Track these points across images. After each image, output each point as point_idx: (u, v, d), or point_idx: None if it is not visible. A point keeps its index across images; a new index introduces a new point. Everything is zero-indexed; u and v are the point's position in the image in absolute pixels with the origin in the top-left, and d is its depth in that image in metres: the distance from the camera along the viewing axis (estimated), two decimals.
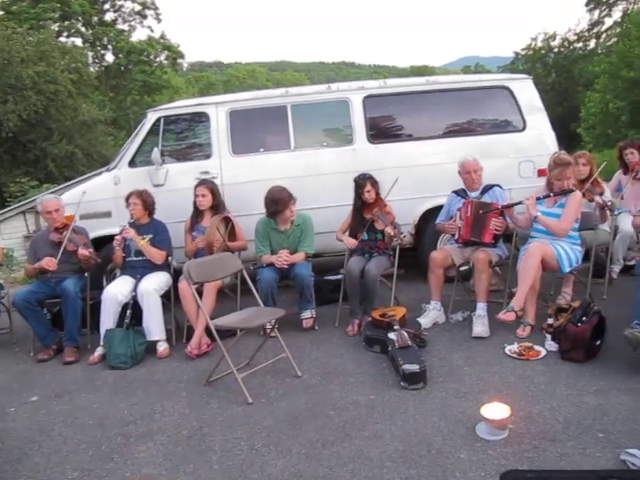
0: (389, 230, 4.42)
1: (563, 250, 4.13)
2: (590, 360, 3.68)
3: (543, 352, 3.81)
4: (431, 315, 4.48)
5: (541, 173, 5.34)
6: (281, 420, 3.25)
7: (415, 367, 3.46)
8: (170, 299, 4.70)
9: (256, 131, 5.67)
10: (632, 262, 5.34)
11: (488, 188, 4.65)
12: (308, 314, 4.66)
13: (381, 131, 5.66)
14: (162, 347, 4.41)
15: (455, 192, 4.77)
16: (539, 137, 5.59)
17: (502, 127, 5.74)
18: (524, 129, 5.62)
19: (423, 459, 2.75)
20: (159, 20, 30.14)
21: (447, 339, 4.24)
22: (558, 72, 36.85)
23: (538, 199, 4.26)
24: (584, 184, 4.89)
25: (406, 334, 3.84)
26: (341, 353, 4.18)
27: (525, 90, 5.73)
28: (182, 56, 32.47)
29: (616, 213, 5.18)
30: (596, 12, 39.08)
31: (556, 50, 38.20)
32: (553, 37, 38.06)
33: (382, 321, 4.13)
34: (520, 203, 4.29)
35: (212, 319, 3.88)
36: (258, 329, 4.28)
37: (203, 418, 3.35)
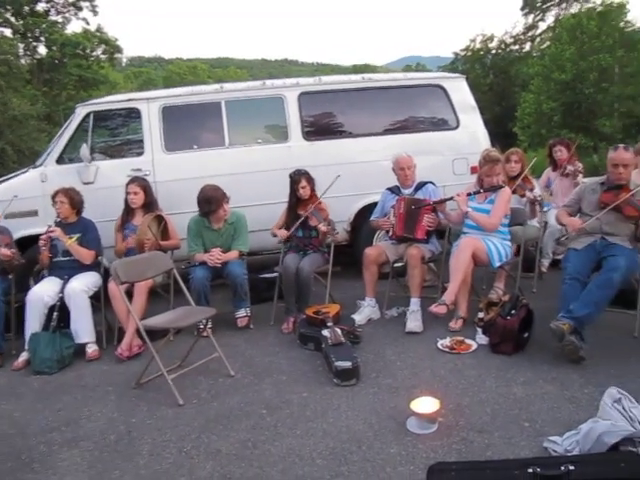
0: (322, 227, 4.42)
1: (493, 245, 4.22)
2: (519, 352, 3.77)
3: (474, 346, 3.88)
4: (366, 311, 4.50)
5: (474, 170, 5.40)
6: (212, 421, 3.19)
7: (347, 364, 3.46)
8: (100, 300, 4.55)
9: (190, 128, 5.55)
10: (560, 256, 5.50)
11: (421, 185, 4.70)
12: (243, 313, 4.60)
13: (316, 128, 5.65)
14: (91, 349, 4.26)
15: (389, 189, 4.80)
16: (472, 135, 5.70)
17: (436, 125, 5.83)
18: (457, 127, 5.72)
19: (354, 455, 2.75)
20: (95, 12, 29.04)
21: (381, 335, 4.26)
22: (496, 73, 37.78)
23: (469, 195, 4.34)
24: (515, 181, 5.01)
25: (339, 331, 3.83)
26: (275, 351, 4.14)
27: (458, 89, 5.83)
28: (120, 50, 31.47)
29: (545, 209, 5.34)
30: (531, 16, 40.43)
31: (494, 52, 39.19)
32: (491, 39, 39.02)
33: (316, 318, 4.11)
34: (451, 199, 4.36)
35: (144, 319, 3.77)
36: (192, 329, 4.19)
37: (132, 422, 3.25)
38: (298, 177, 4.62)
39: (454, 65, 40.24)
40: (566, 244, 4.27)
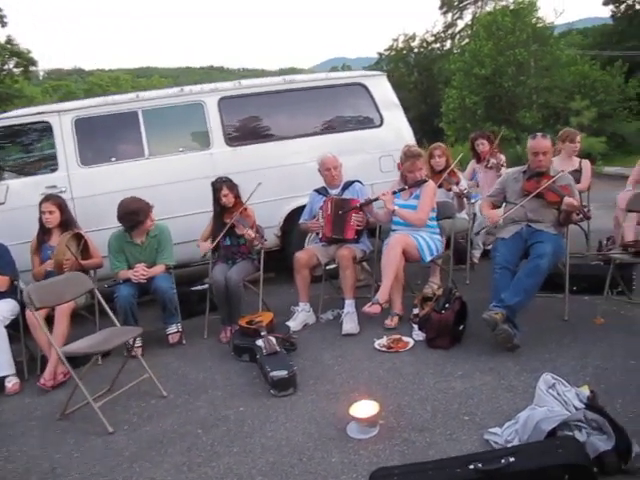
0: (248, 234, 4.29)
1: (423, 240, 4.21)
2: (455, 345, 3.77)
3: (411, 343, 3.85)
4: (300, 317, 4.40)
5: (401, 167, 5.44)
6: (144, 447, 3.01)
7: (283, 373, 3.35)
8: (19, 328, 4.25)
9: (106, 139, 5.31)
10: (490, 246, 5.58)
11: (349, 184, 4.65)
12: (174, 329, 4.41)
13: (239, 133, 5.51)
14: (11, 383, 3.96)
15: (316, 190, 4.74)
16: (397, 132, 5.71)
17: (361, 123, 5.81)
18: (382, 124, 5.72)
19: (295, 468, 2.65)
20: (4, 24, 27.72)
21: (318, 340, 4.17)
22: (419, 71, 38.61)
23: (394, 193, 4.31)
24: (441, 175, 5.04)
25: (274, 339, 3.72)
26: (210, 366, 3.98)
27: (380, 86, 5.84)
28: (34, 63, 30.15)
29: (473, 201, 5.39)
30: (449, 15, 41.60)
31: (416, 50, 40.05)
32: (413, 38, 39.88)
33: (249, 328, 3.99)
34: (377, 199, 4.32)
35: (68, 344, 3.55)
36: (121, 350, 3.97)
37: (56, 458, 3.01)
38: (219, 185, 4.48)
39: (379, 65, 40.88)
40: (494, 233, 4.31)
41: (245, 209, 4.49)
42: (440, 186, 4.96)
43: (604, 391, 3.01)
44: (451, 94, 21.44)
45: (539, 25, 20.87)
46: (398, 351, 3.76)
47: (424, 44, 40.29)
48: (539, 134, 4.10)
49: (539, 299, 4.24)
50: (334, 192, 4.64)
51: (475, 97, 19.96)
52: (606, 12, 38.82)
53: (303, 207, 4.94)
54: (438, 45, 40.88)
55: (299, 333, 4.28)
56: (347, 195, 4.58)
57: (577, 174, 5.16)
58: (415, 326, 3.95)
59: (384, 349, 3.80)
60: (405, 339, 3.87)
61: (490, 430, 2.70)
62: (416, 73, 38.69)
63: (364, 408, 2.91)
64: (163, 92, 5.47)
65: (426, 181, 4.31)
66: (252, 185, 4.56)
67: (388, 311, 4.23)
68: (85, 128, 5.17)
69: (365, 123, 5.79)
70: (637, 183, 4.93)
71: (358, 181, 4.69)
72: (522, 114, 18.66)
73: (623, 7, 36.26)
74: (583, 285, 4.43)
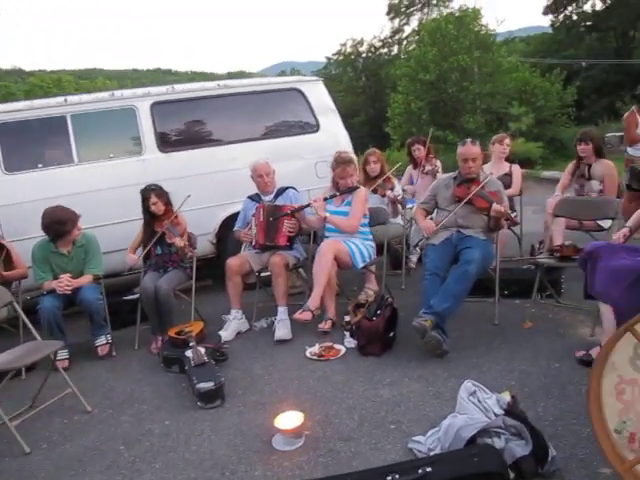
0: (177, 242, 4.20)
1: (355, 246, 4.20)
2: (386, 352, 3.76)
3: (343, 350, 3.82)
4: (232, 325, 4.32)
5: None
6: (62, 467, 2.89)
7: (210, 384, 3.27)
8: None
9: (33, 145, 5.08)
10: None
11: (282, 190, 4.62)
12: (103, 340, 4.27)
13: (172, 139, 5.40)
14: None
15: (250, 197, 4.68)
16: (333, 137, 5.69)
17: (297, 129, 5.77)
18: (318, 130, 5.69)
19: None
20: None
21: (250, 348, 4.10)
22: (367, 76, 38.98)
23: (326, 199, 4.29)
24: (376, 181, 5.05)
25: (203, 350, 3.64)
26: (138, 378, 3.87)
27: (316, 92, 5.81)
28: None
29: (409, 206, 5.43)
30: (396, 21, 42.21)
31: (364, 55, 40.41)
32: (361, 43, 40.22)
33: (178, 339, 3.89)
34: (308, 206, 4.30)
35: None
36: (47, 364, 3.81)
37: None
38: (148, 193, 4.37)
39: (327, 69, 41.08)
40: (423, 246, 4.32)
41: (176, 217, 4.39)
42: (375, 192, 4.98)
43: (528, 395, 3.06)
44: (397, 99, 21.67)
45: (482, 32, 21.34)
46: (329, 359, 3.73)
47: (372, 49, 40.71)
48: (468, 140, 4.16)
49: (471, 303, 4.30)
50: (267, 199, 4.59)
51: (420, 102, 20.23)
52: (546, 21, 39.91)
53: (238, 214, 4.87)
54: (385, 50, 41.39)
55: (231, 342, 4.21)
56: (280, 201, 4.55)
57: (508, 178, 5.27)
58: (347, 333, 3.93)
59: (315, 357, 3.77)
60: (337, 347, 3.85)
61: (414, 438, 2.70)
62: (364, 78, 39.05)
63: (289, 419, 2.87)
64: (93, 96, 5.30)
65: (357, 187, 4.30)
66: (187, 192, 4.47)
67: (322, 317, 4.20)
68: (9, 133, 4.95)
69: (301, 128, 5.76)
70: (565, 188, 5.05)
71: (292, 187, 4.66)
72: (466, 119, 19.01)
73: (561, 17, 37.63)
74: (514, 289, 4.52)
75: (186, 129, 5.49)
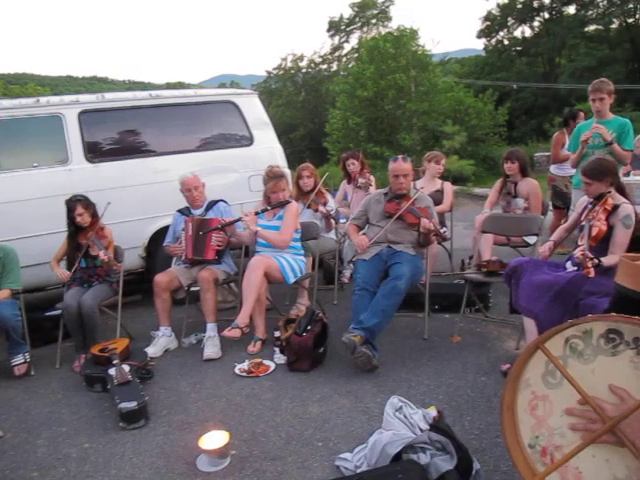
0: (102, 255, 4.05)
1: (286, 261, 4.16)
2: (316, 368, 3.73)
3: (272, 366, 3.76)
4: (161, 342, 4.19)
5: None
6: None
7: (132, 404, 3.15)
8: None
9: None
10: None
11: (213, 204, 4.54)
12: (20, 359, 4.04)
13: (101, 149, 5.20)
14: None
15: (179, 211, 4.58)
16: (267, 151, 5.64)
17: (230, 142, 5.68)
18: (252, 143, 5.64)
19: None
20: None
21: (177, 366, 3.98)
22: (307, 91, 39.33)
23: (257, 214, 4.25)
24: (309, 195, 5.04)
25: (127, 368, 3.50)
26: (58, 399, 3.67)
27: (251, 105, 5.76)
28: None
29: (342, 221, 5.44)
30: (336, 38, 42.87)
31: (304, 70, 40.77)
32: (301, 58, 40.59)
33: (101, 356, 3.73)
34: (239, 220, 4.24)
35: None
36: None
37: None
38: (73, 204, 4.19)
39: (267, 83, 41.22)
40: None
41: (102, 229, 4.24)
42: (308, 207, 4.97)
43: (455, 408, 3.10)
44: (335, 114, 21.92)
45: (419, 52, 21.90)
46: (258, 376, 3.67)
47: (312, 64, 41.16)
48: (400, 157, 4.21)
49: (401, 318, 4.34)
50: (197, 212, 4.50)
51: (357, 118, 20.53)
52: (479, 45, 41.40)
53: (168, 227, 4.75)
54: (325, 66, 41.94)
55: (158, 359, 4.08)
56: (211, 215, 4.46)
57: (439, 194, 5.36)
58: (277, 349, 3.87)
59: (244, 374, 3.69)
60: (266, 363, 3.79)
61: (341, 456, 2.67)
62: (304, 92, 39.38)
63: (215, 439, 2.79)
64: (16, 102, 5.06)
65: (289, 202, 4.28)
66: (115, 204, 4.33)
67: (252, 333, 4.14)
68: None
69: (235, 141, 5.68)
70: (493, 205, 5.18)
71: (223, 200, 4.59)
72: (402, 136, 19.40)
73: (494, 41, 39.20)
74: (444, 304, 4.59)
75: (116, 139, 5.30)
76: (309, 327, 3.79)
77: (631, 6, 34.09)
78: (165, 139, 5.45)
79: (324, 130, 24.09)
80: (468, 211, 7.32)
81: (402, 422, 2.61)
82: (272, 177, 4.27)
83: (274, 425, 3.07)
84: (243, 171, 5.48)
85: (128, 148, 5.32)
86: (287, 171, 5.63)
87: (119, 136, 5.32)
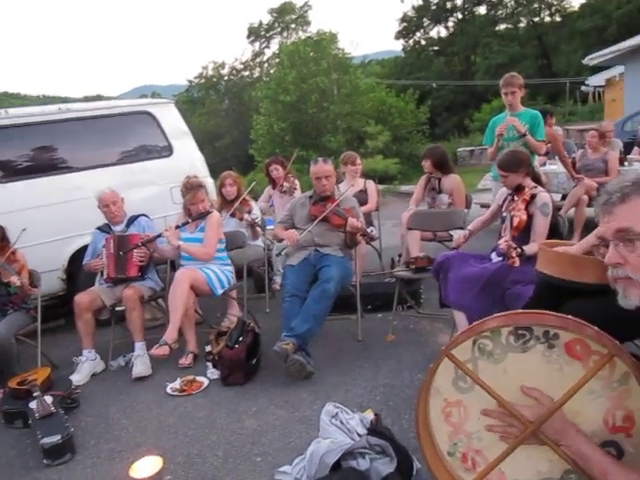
0: (14, 281, 3.81)
1: (213, 273, 4.04)
2: (251, 380, 3.63)
3: (206, 382, 3.64)
4: (85, 367, 3.97)
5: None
6: None
7: (56, 438, 2.95)
8: None
9: None
10: None
11: (133, 219, 4.37)
12: None
13: (9, 167, 4.89)
14: None
15: (99, 228, 4.38)
16: (188, 161, 5.47)
17: (149, 153, 5.48)
18: (171, 154, 5.46)
19: None
20: None
21: (106, 390, 3.78)
22: (231, 98, 39.04)
23: (178, 227, 4.11)
24: (233, 204, 4.94)
25: (50, 399, 3.29)
26: None
27: (168, 115, 5.59)
28: None
29: (270, 226, 5.36)
30: (257, 44, 42.82)
31: (226, 78, 40.47)
32: (222, 66, 40.30)
33: (20, 390, 3.49)
34: (160, 236, 4.09)
35: None
36: None
37: None
38: None
39: (189, 92, 40.70)
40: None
41: (13, 253, 3.99)
42: (233, 215, 4.86)
43: (393, 408, 3.08)
44: (259, 121, 21.82)
45: (339, 55, 22.12)
46: (191, 393, 3.53)
47: (234, 72, 40.94)
48: (320, 159, 4.18)
49: (335, 321, 4.31)
50: (118, 229, 4.32)
51: (282, 123, 20.51)
52: (398, 46, 42.54)
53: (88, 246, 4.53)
54: (248, 73, 41.82)
55: (84, 386, 3.85)
56: (133, 230, 4.29)
57: (363, 195, 5.37)
58: (209, 364, 3.75)
59: (177, 393, 3.55)
60: (199, 379, 3.66)
61: (280, 469, 2.60)
62: (227, 100, 39.09)
63: (146, 466, 2.64)
64: None
65: (210, 212, 4.16)
66: (27, 225, 4.09)
67: (184, 349, 4.00)
68: None
69: (154, 153, 5.48)
70: (418, 202, 5.23)
71: (144, 215, 4.42)
72: (327, 139, 19.51)
73: (412, 42, 40.21)
74: (377, 303, 4.59)
75: (25, 157, 4.99)
76: (240, 339, 3.69)
77: (536, 6, 35.79)
78: (79, 154, 5.18)
79: (249, 137, 23.95)
80: (396, 209, 7.38)
81: (339, 429, 2.56)
82: (190, 188, 4.13)
83: (210, 444, 2.96)
84: (164, 183, 5.29)
85: (39, 165, 5.01)
86: (210, 180, 5.50)
87: (29, 153, 5.02)
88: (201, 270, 3.99)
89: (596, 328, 1.40)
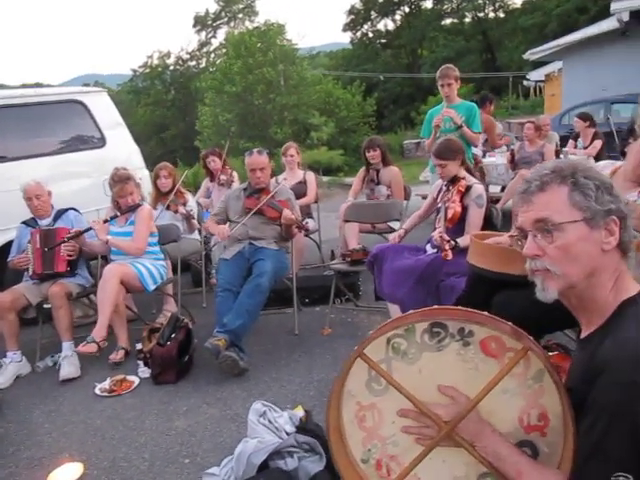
0: None
1: (144, 268, 3.91)
2: (184, 378, 3.53)
3: (136, 382, 3.52)
4: (10, 369, 3.77)
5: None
6: None
7: None
8: None
9: None
10: None
11: (61, 213, 4.18)
12: None
13: None
14: None
15: (25, 222, 4.17)
16: (123, 152, 5.28)
17: (80, 144, 5.25)
18: (104, 145, 5.26)
19: None
20: None
21: (30, 394, 3.59)
22: (177, 89, 38.30)
23: (106, 221, 3.95)
24: (168, 196, 4.80)
25: None
26: None
27: (101, 104, 5.37)
28: None
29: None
30: (203, 33, 42.08)
31: (172, 68, 39.66)
32: (168, 55, 39.45)
33: None
34: (89, 230, 3.93)
35: None
36: None
37: None
38: None
39: (133, 82, 39.72)
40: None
41: None
42: (168, 208, 4.73)
43: (326, 403, 3.02)
44: (204, 112, 21.49)
45: (286, 46, 21.96)
46: (121, 394, 3.40)
47: (180, 61, 40.15)
48: (255, 150, 4.09)
49: (272, 316, 4.25)
50: (45, 223, 4.12)
51: (228, 114, 20.24)
52: (346, 38, 42.78)
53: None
54: (194, 63, 41.07)
55: (7, 389, 3.66)
56: (61, 224, 4.10)
57: (303, 186, 5.31)
58: (140, 362, 3.63)
59: (106, 394, 3.41)
60: (130, 379, 3.53)
61: (208, 471, 2.50)
62: (173, 91, 38.32)
63: (66, 473, 2.53)
64: None
65: (140, 205, 4.01)
66: None
67: (114, 348, 3.86)
68: None
69: (86, 144, 5.25)
70: (357, 193, 5.21)
71: (73, 208, 4.24)
72: (274, 130, 19.37)
73: (359, 34, 40.36)
74: (314, 297, 4.55)
75: None
76: (173, 335, 3.58)
77: (480, 1, 36.46)
78: (4, 144, 4.92)
79: (195, 129, 23.57)
80: (340, 201, 7.33)
81: (267, 428, 2.49)
82: (118, 181, 3.96)
83: (137, 447, 2.85)
84: (97, 175, 5.08)
85: None
86: (145, 172, 5.34)
87: None
88: (132, 265, 3.84)
89: (511, 324, 1.37)
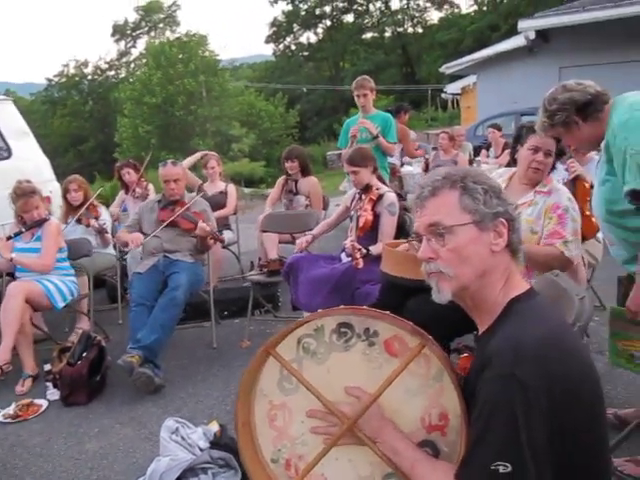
0: None
1: (52, 284, 3.72)
2: (96, 398, 3.39)
3: (44, 405, 3.34)
4: None
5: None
6: None
7: None
8: None
9: None
10: None
11: None
12: None
13: None
14: None
15: None
16: (30, 164, 5.06)
17: None
18: (10, 156, 5.02)
19: None
20: None
21: None
22: (95, 99, 37.19)
23: (9, 238, 3.75)
24: (79, 209, 4.63)
25: None
26: None
27: (5, 113, 5.15)
28: None
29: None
30: (122, 43, 41.13)
31: (90, 77, 38.50)
32: (85, 64, 38.26)
33: None
34: None
35: None
36: None
37: None
38: None
39: (48, 92, 38.25)
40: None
41: None
42: (79, 221, 4.56)
43: None
44: (123, 123, 20.98)
45: (207, 57, 21.78)
46: (27, 419, 3.22)
47: (98, 71, 39.05)
48: (169, 161, 4.03)
49: (189, 330, 4.16)
50: None
51: (147, 126, 19.84)
52: (269, 50, 42.84)
53: None
54: (113, 73, 40.07)
55: None
56: None
57: (223, 196, 5.26)
58: (49, 384, 3.45)
59: (10, 420, 3.21)
60: (37, 402, 3.34)
61: None
62: (91, 101, 37.19)
63: None
64: None
65: (47, 220, 3.84)
66: None
67: (20, 371, 3.65)
68: None
69: None
70: (274, 203, 5.21)
71: None
72: (196, 141, 19.13)
73: (282, 47, 40.64)
74: (233, 309, 4.50)
75: None
76: (84, 354, 3.43)
77: (400, 17, 37.59)
78: None
79: (115, 140, 22.94)
80: (261, 212, 7.32)
81: (179, 445, 2.43)
82: (21, 195, 3.75)
83: (43, 474, 2.71)
84: (2, 188, 4.80)
85: None
86: (55, 185, 5.13)
87: None
88: (38, 282, 3.65)
89: (411, 323, 1.40)
